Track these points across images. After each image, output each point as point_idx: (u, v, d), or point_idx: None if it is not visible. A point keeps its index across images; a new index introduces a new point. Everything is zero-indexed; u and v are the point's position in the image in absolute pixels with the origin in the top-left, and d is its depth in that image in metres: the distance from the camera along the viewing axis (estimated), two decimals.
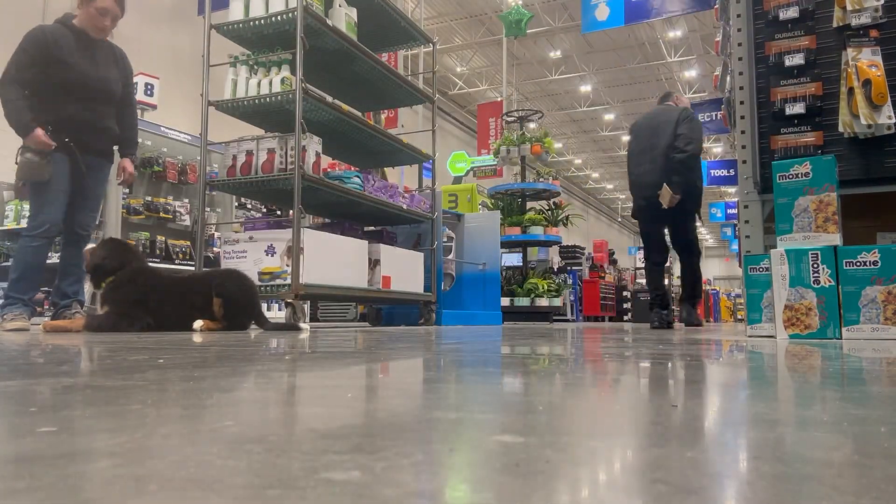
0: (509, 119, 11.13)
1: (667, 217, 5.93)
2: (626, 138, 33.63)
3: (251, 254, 4.63)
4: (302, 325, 4.19)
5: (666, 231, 6.16)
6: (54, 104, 4.00)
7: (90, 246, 3.96)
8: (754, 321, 3.32)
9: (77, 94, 4.05)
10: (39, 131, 3.88)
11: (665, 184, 5.69)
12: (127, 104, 4.43)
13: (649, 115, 6.28)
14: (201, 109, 4.85)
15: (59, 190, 4.03)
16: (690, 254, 6.17)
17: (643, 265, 8.08)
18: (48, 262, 4.24)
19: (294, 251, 4.44)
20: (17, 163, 3.92)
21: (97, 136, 4.21)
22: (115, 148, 4.44)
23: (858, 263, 2.90)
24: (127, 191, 6.96)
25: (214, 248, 7.45)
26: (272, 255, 4.57)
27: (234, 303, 3.69)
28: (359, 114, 5.60)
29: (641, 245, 6.63)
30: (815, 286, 2.99)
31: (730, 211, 24.49)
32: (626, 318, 15.97)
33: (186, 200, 7.67)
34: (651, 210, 5.90)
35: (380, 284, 5.43)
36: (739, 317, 25.06)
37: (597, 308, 14.43)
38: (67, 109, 4.03)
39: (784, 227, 3.15)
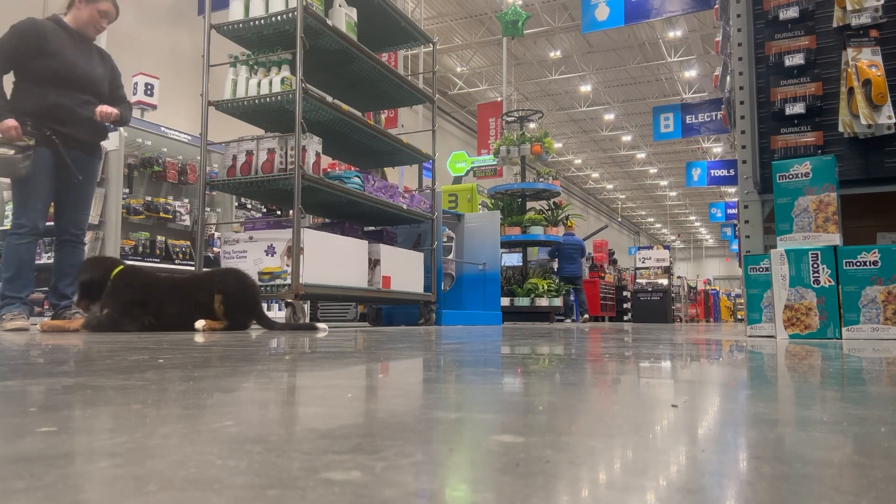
0: (509, 119, 11.13)
1: None
2: (626, 138, 33.40)
3: (251, 254, 4.63)
4: (319, 324, 4.12)
5: None
6: (36, 95, 3.91)
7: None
8: (754, 321, 3.32)
9: (62, 85, 3.98)
10: (10, 122, 3.75)
11: None
12: (121, 102, 4.38)
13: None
14: (201, 109, 4.85)
15: (42, 187, 3.94)
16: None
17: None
18: (45, 262, 4.21)
19: (294, 251, 4.44)
20: None
21: (80, 126, 4.08)
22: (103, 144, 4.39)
23: (858, 263, 2.90)
24: (127, 190, 6.96)
25: (214, 248, 7.44)
26: (272, 255, 4.57)
27: (235, 299, 3.68)
28: (359, 114, 5.60)
29: (642, 245, 9.20)
30: (815, 286, 2.99)
31: (730, 211, 24.49)
32: (626, 318, 15.96)
33: (186, 200, 7.67)
34: None
35: (380, 284, 5.43)
36: (739, 317, 25.06)
37: (597, 308, 14.43)
38: (49, 98, 3.93)
39: (784, 227, 3.15)
